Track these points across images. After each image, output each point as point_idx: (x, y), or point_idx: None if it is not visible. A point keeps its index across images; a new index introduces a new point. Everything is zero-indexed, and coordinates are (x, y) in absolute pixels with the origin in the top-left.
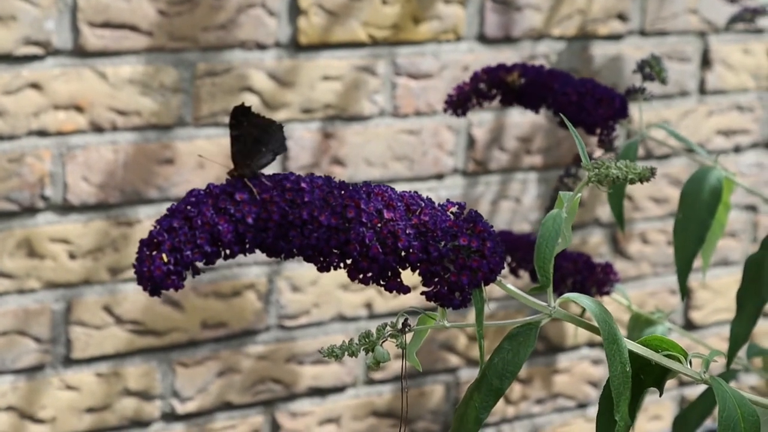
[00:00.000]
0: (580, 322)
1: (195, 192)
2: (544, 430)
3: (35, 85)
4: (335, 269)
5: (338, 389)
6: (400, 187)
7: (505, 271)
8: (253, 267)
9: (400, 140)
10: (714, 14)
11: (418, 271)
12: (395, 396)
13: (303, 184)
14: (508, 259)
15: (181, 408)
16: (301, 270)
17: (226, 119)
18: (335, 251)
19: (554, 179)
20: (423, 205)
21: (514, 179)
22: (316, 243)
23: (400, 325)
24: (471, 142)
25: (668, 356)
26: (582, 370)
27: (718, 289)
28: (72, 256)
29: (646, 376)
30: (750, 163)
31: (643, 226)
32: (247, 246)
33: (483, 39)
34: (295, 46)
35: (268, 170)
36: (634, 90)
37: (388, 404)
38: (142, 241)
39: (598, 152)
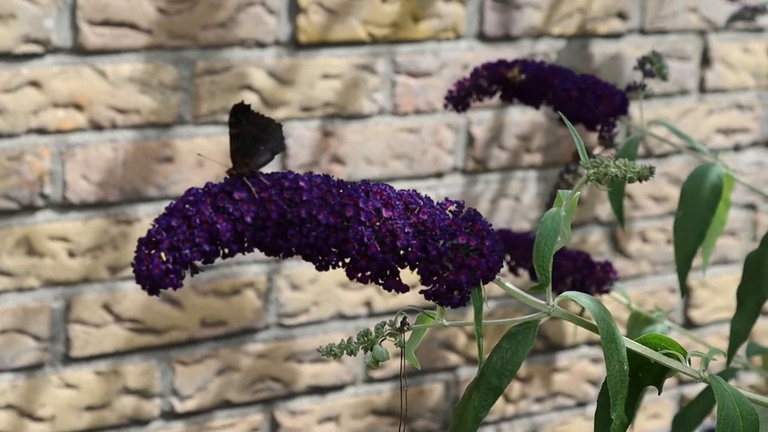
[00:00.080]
0: (579, 320)
1: (193, 191)
2: (544, 428)
3: (35, 83)
4: (334, 268)
5: (338, 388)
6: (399, 186)
7: (505, 269)
8: (252, 265)
9: (400, 139)
10: (714, 13)
11: (416, 269)
12: (394, 394)
13: (301, 183)
14: (508, 257)
15: (180, 406)
16: (301, 268)
17: (226, 117)
18: (334, 250)
19: (554, 178)
20: (422, 203)
21: (513, 177)
22: (314, 242)
23: (398, 324)
24: (470, 140)
25: (667, 355)
26: (581, 368)
27: (718, 288)
28: (71, 255)
29: (645, 375)
30: (750, 162)
31: (643, 225)
32: (246, 245)
33: (483, 37)
34: (295, 45)
35: (267, 169)
36: (635, 86)
37: (388, 403)
38: (140, 240)
39: (599, 149)
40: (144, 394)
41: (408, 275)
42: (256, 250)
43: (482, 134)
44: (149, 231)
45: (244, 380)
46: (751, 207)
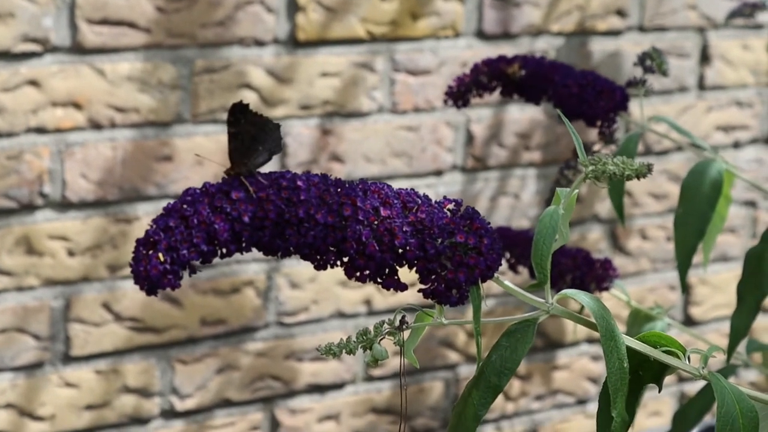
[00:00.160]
0: (578, 318)
1: (191, 191)
2: (544, 426)
3: (33, 82)
4: (332, 267)
5: (337, 386)
6: (398, 184)
7: (504, 267)
8: (252, 264)
9: (399, 136)
10: (713, 10)
11: (415, 268)
12: (394, 393)
13: (299, 182)
14: (507, 255)
15: (180, 405)
16: (300, 267)
17: (225, 116)
18: (332, 249)
19: (553, 175)
20: (420, 202)
21: (512, 175)
22: (312, 241)
23: (397, 323)
24: (470, 138)
25: (667, 352)
26: (581, 366)
27: (718, 285)
28: (71, 254)
29: (644, 373)
30: (749, 159)
31: (643, 222)
32: (244, 245)
33: (481, 35)
34: (294, 43)
35: (266, 168)
36: (635, 82)
37: (388, 401)
38: (138, 241)
39: (599, 145)
40: (144, 392)
41: (406, 274)
42: (254, 249)
43: (481, 132)
44: (147, 231)
45: (243, 379)
46: (751, 204)
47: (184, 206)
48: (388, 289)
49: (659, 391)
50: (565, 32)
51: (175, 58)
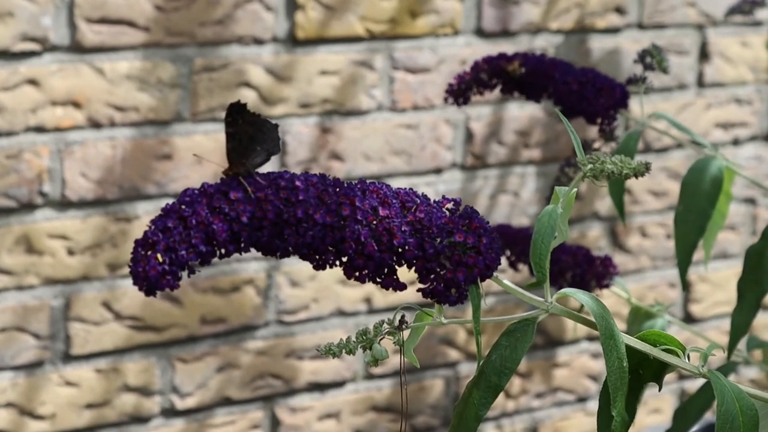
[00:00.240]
0: (578, 317)
1: (189, 191)
2: (544, 424)
3: (32, 81)
4: (331, 267)
5: (338, 384)
6: (398, 182)
7: (505, 264)
8: (252, 262)
9: (398, 135)
10: (712, 7)
11: (414, 267)
12: (395, 391)
13: (297, 183)
14: (507, 252)
15: (180, 404)
16: (300, 265)
17: (224, 115)
18: (331, 249)
19: (553, 173)
20: (418, 201)
21: (512, 173)
22: (311, 241)
23: (397, 323)
24: (469, 136)
25: (666, 351)
26: (582, 363)
27: (718, 282)
28: (70, 252)
29: (644, 371)
30: (748, 156)
31: (642, 220)
32: (243, 245)
33: (480, 33)
34: (293, 41)
35: (266, 168)
36: (635, 79)
37: (388, 399)
38: (137, 241)
39: (599, 142)
40: (144, 391)
41: (406, 273)
42: (252, 249)
43: (481, 130)
44: (145, 232)
45: (244, 377)
46: (751, 201)
47: (183, 207)
48: (387, 289)
49: (659, 390)
50: (564, 30)
51: (174, 56)
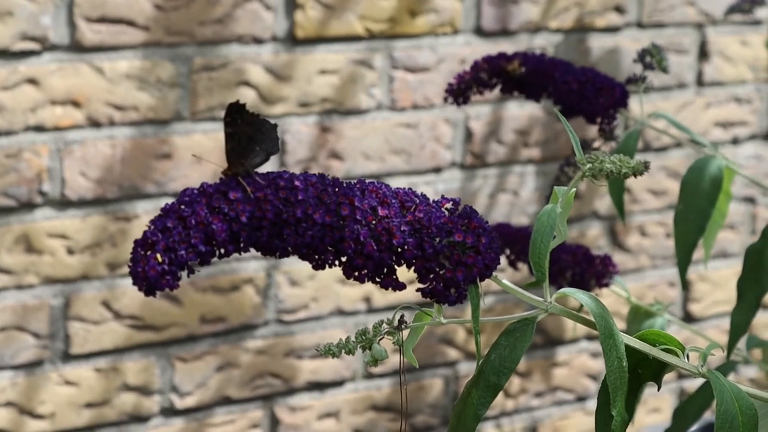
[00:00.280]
0: (577, 317)
1: (189, 191)
2: (543, 423)
3: (32, 81)
4: (330, 267)
5: (337, 383)
6: (397, 181)
7: (504, 263)
8: (251, 261)
9: (398, 134)
10: (711, 6)
11: (413, 267)
12: (394, 390)
13: (297, 182)
14: (507, 251)
15: (180, 403)
16: (300, 264)
17: (223, 114)
18: (330, 249)
19: (552, 172)
20: (417, 201)
21: (511, 172)
22: (310, 241)
23: (396, 323)
24: (468, 135)
25: (666, 350)
26: (581, 363)
27: (717, 281)
28: (70, 252)
29: (644, 371)
30: (748, 155)
31: (642, 219)
32: (242, 245)
33: (480, 32)
34: (292, 40)
35: (266, 167)
36: (635, 79)
37: (387, 398)
38: (136, 242)
39: (599, 142)
40: (143, 390)
41: (405, 273)
42: (252, 249)
43: (480, 129)
44: (145, 232)
45: (243, 376)
46: (750, 200)
47: (182, 207)
48: (387, 289)
49: (658, 390)
50: (564, 29)
51: (173, 55)
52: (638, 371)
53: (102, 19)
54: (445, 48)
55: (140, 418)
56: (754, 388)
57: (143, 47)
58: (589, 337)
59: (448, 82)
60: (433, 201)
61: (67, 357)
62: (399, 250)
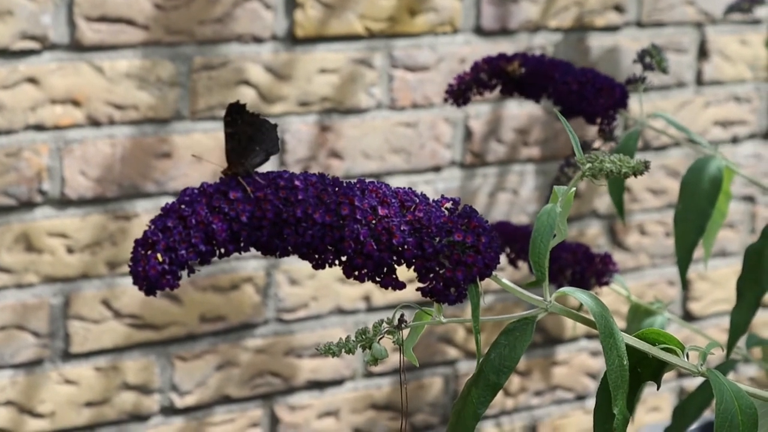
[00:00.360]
0: (577, 316)
1: (189, 191)
2: (543, 422)
3: (32, 80)
4: (330, 266)
5: (337, 382)
6: (397, 180)
7: (504, 262)
8: (251, 260)
9: (398, 133)
10: (711, 5)
11: (413, 267)
12: (394, 389)
13: (297, 182)
14: (507, 250)
15: (180, 402)
16: (299, 263)
17: (223, 113)
18: (330, 248)
19: (552, 171)
20: (417, 201)
21: (511, 171)
22: (310, 241)
23: (396, 322)
24: (468, 134)
25: (665, 349)
26: (581, 361)
27: (717, 280)
28: (70, 251)
29: (643, 370)
30: (747, 154)
31: (641, 218)
32: (242, 244)
33: (480, 31)
34: (292, 39)
35: (265, 167)
36: (635, 79)
37: (387, 397)
38: (136, 241)
39: (599, 142)
40: (143, 389)
41: (405, 272)
42: (252, 249)
43: (480, 128)
44: (145, 232)
45: (243, 375)
46: (750, 199)
47: (182, 206)
48: (387, 288)
49: (658, 388)
50: (563, 28)
51: (173, 55)
52: (638, 370)
53: (102, 19)
54: (445, 47)
55: (140, 417)
56: (754, 387)
57: (143, 46)
58: (589, 336)
59: (448, 83)
60: (433, 200)
61: (67, 356)
62: (399, 249)
